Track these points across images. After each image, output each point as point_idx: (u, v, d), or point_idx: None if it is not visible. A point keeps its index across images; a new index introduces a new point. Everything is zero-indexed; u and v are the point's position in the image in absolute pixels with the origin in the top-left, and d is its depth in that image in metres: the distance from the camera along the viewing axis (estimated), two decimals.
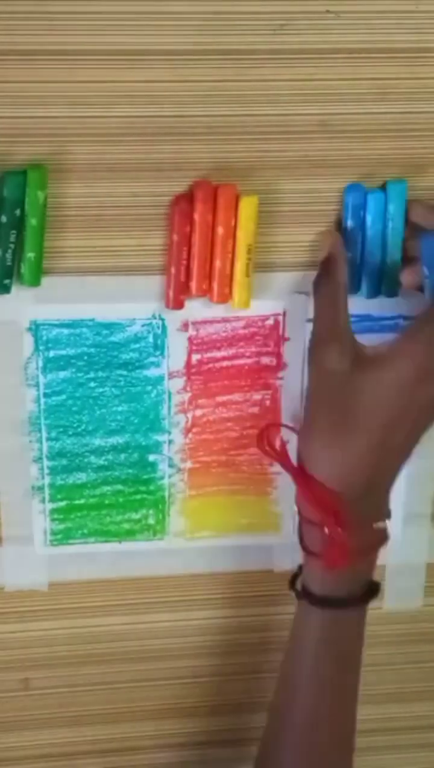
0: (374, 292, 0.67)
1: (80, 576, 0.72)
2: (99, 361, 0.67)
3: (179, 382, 0.68)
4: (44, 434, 0.68)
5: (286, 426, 0.67)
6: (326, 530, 0.62)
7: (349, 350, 0.61)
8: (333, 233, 0.65)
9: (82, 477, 0.70)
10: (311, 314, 0.68)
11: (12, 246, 0.62)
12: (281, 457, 0.65)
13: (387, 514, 0.64)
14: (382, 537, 0.64)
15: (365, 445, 0.60)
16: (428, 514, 0.74)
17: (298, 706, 0.67)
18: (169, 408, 0.69)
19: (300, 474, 0.63)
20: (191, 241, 0.64)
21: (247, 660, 0.76)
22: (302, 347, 0.68)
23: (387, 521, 0.64)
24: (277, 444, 0.66)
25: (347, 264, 0.64)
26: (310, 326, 0.68)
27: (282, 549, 0.73)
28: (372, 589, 0.66)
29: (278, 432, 0.67)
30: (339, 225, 0.65)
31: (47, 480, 0.69)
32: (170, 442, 0.70)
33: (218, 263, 0.64)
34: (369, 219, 0.65)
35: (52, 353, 0.67)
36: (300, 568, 0.67)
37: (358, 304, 0.68)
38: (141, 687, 0.76)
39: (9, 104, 0.60)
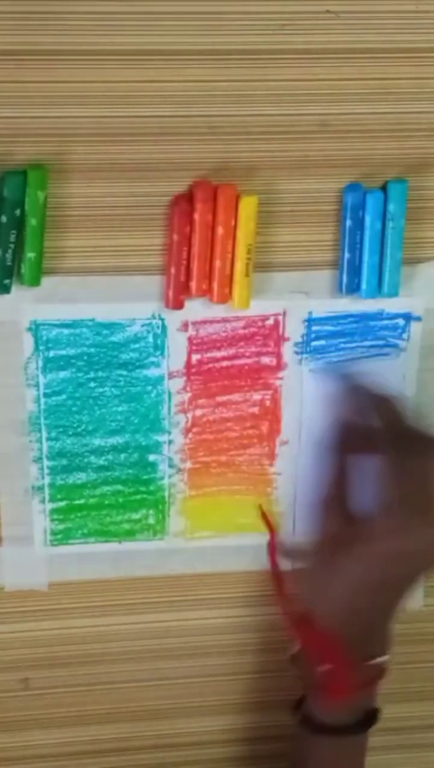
0: (374, 292, 0.67)
1: (80, 576, 0.72)
2: (99, 361, 0.67)
3: (179, 382, 0.68)
4: (44, 434, 0.68)
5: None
6: (325, 668, 0.65)
7: (347, 517, 0.65)
8: (349, 401, 0.67)
9: (82, 477, 0.70)
10: (310, 314, 0.68)
11: (12, 246, 0.62)
12: (287, 604, 0.68)
13: (385, 651, 0.67)
14: (381, 671, 0.67)
15: (353, 605, 0.64)
16: None
17: None
18: (169, 408, 0.69)
19: (303, 618, 0.66)
20: (191, 241, 0.64)
21: (247, 660, 0.76)
22: (301, 347, 0.68)
23: (384, 657, 0.66)
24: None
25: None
26: (310, 326, 0.68)
27: (282, 549, 0.73)
28: (372, 717, 0.68)
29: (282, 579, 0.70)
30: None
31: (47, 480, 0.69)
32: (170, 442, 0.70)
33: (218, 263, 0.64)
34: (368, 219, 0.65)
35: (52, 353, 0.67)
36: (302, 697, 0.70)
37: (358, 304, 0.68)
38: (141, 687, 0.76)
39: (9, 104, 0.60)
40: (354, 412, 0.66)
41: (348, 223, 0.65)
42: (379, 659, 0.66)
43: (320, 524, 0.67)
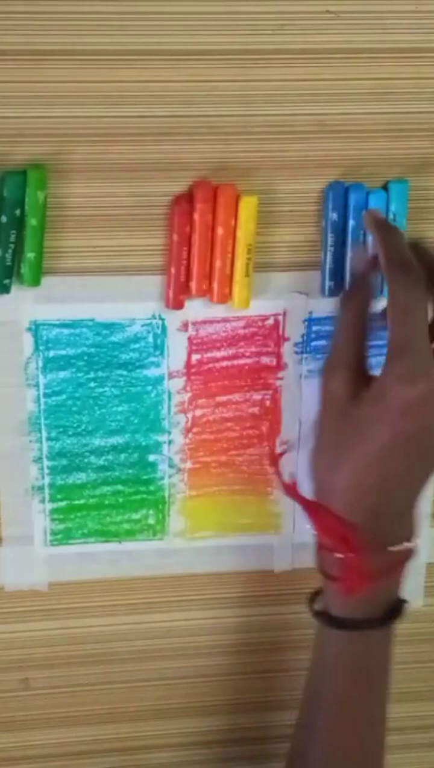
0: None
1: (80, 576, 0.72)
2: (99, 361, 0.67)
3: (179, 382, 0.68)
4: (44, 434, 0.68)
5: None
6: (340, 556, 0.61)
7: (356, 379, 0.60)
8: (363, 252, 0.63)
9: (82, 477, 0.70)
10: (310, 314, 0.68)
11: (12, 246, 0.62)
12: (288, 486, 0.65)
13: (407, 537, 0.61)
14: (403, 557, 0.62)
15: (362, 473, 0.59)
16: (428, 514, 0.74)
17: (322, 726, 0.64)
18: (169, 408, 0.69)
19: (309, 501, 0.62)
20: (191, 241, 0.64)
21: (247, 660, 0.76)
22: (300, 346, 0.68)
23: (406, 544, 0.61)
24: (280, 464, 0.66)
25: (374, 287, 0.63)
26: (310, 326, 0.68)
27: (282, 549, 0.73)
28: (396, 609, 0.63)
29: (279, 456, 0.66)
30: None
31: (47, 480, 0.69)
32: (170, 442, 0.70)
33: (218, 263, 0.64)
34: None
35: (52, 353, 0.67)
36: (320, 589, 0.65)
37: None
38: (141, 687, 0.76)
39: (9, 104, 0.60)
40: (367, 263, 0.62)
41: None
42: (403, 546, 0.61)
43: (328, 386, 0.61)
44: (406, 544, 0.61)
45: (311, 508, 0.61)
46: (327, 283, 0.66)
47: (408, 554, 0.62)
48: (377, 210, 0.63)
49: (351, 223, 0.65)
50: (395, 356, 0.57)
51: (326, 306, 0.68)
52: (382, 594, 0.63)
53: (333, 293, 0.66)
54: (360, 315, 0.62)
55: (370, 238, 0.64)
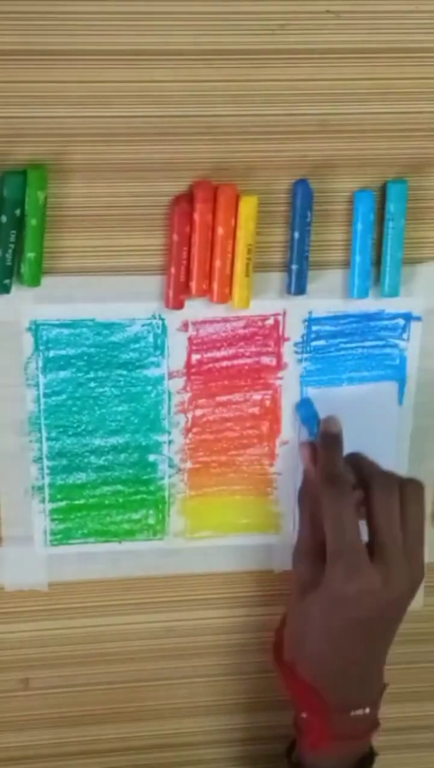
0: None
1: (80, 576, 0.72)
2: (99, 361, 0.67)
3: (179, 382, 0.68)
4: (44, 434, 0.68)
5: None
6: (304, 715, 0.67)
7: (318, 566, 0.65)
8: (306, 448, 0.68)
9: (82, 477, 0.70)
10: (310, 314, 0.68)
11: (12, 246, 0.62)
12: (274, 649, 0.69)
13: (367, 701, 0.67)
14: (368, 723, 0.68)
15: (322, 648, 0.66)
16: (428, 515, 0.74)
17: None
18: (169, 408, 0.69)
19: (284, 665, 0.68)
20: (191, 241, 0.64)
21: (247, 660, 0.76)
22: (300, 347, 0.68)
23: (367, 710, 0.67)
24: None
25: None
26: (310, 326, 0.68)
27: (282, 549, 0.73)
28: (366, 762, 0.69)
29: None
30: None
31: (47, 480, 0.69)
32: (170, 442, 0.70)
33: (218, 263, 0.64)
34: (371, 219, 0.65)
35: (52, 353, 0.67)
36: (293, 740, 0.71)
37: (359, 304, 0.68)
38: (141, 687, 0.76)
39: (9, 104, 0.60)
40: (309, 458, 0.68)
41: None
42: (360, 711, 0.67)
43: (295, 571, 0.68)
44: (363, 711, 0.67)
45: (284, 672, 0.68)
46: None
47: (371, 723, 0.68)
48: (333, 421, 0.68)
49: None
50: (333, 560, 0.63)
51: (326, 306, 0.68)
52: (350, 751, 0.69)
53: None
54: (315, 509, 0.66)
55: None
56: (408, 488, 0.65)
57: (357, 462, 0.67)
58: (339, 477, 0.65)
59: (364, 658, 0.67)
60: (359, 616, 0.64)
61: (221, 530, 0.73)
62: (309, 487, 0.68)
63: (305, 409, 0.69)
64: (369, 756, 0.70)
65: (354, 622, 0.64)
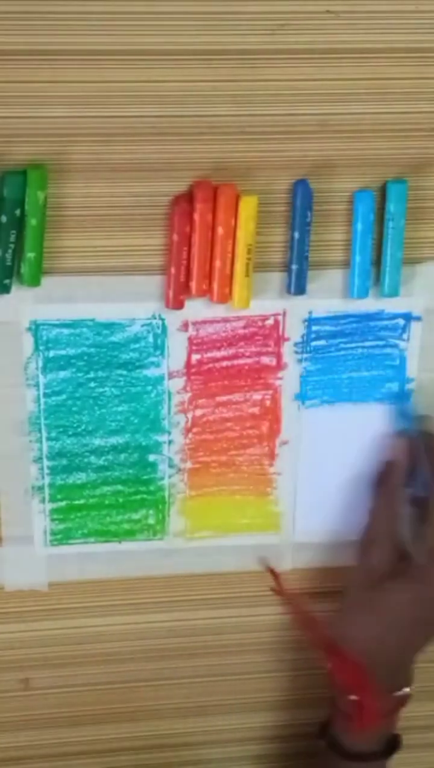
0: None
1: (80, 576, 0.72)
2: (99, 361, 0.67)
3: (179, 382, 0.68)
4: (44, 434, 0.68)
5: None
6: (354, 697, 0.68)
7: (392, 553, 0.68)
8: (402, 440, 0.69)
9: (82, 477, 0.70)
10: (310, 314, 0.68)
11: (12, 246, 0.62)
12: (317, 633, 0.70)
13: (408, 682, 0.70)
14: (401, 702, 0.71)
15: (384, 633, 0.68)
16: None
17: None
18: (169, 408, 0.69)
19: (334, 648, 0.68)
20: (191, 241, 0.64)
21: (247, 660, 0.76)
22: (300, 346, 0.69)
23: (405, 689, 0.70)
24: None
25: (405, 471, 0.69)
26: (310, 326, 0.68)
27: (282, 549, 0.73)
28: (394, 744, 0.72)
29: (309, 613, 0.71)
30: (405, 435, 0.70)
31: (47, 480, 0.69)
32: (170, 442, 0.70)
33: (218, 263, 0.64)
34: (371, 219, 0.65)
35: (52, 353, 0.67)
36: (328, 721, 0.72)
37: (359, 304, 0.68)
38: (141, 687, 0.76)
39: (9, 104, 0.60)
40: (403, 451, 0.69)
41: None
42: (403, 691, 0.70)
43: (366, 559, 0.69)
44: (405, 690, 0.70)
45: (336, 653, 0.68)
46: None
47: (405, 700, 0.71)
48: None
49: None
50: (432, 559, 0.67)
51: (326, 306, 0.68)
52: (383, 731, 0.72)
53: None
54: (393, 498, 0.69)
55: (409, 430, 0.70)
56: None
57: None
58: None
59: (420, 647, 0.70)
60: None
61: (221, 530, 0.73)
62: (391, 479, 0.69)
63: (402, 403, 0.70)
64: (395, 738, 0.72)
65: (433, 618, 0.68)
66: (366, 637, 0.67)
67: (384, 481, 0.70)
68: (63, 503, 0.70)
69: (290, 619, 0.73)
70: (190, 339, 0.67)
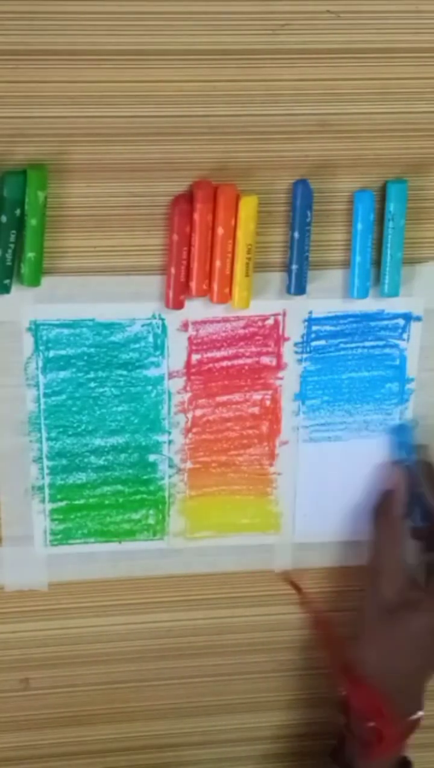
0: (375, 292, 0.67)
1: (80, 576, 0.72)
2: (99, 361, 0.67)
3: (179, 382, 0.68)
4: (44, 434, 0.68)
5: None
6: (372, 724, 0.69)
7: (401, 583, 0.69)
8: (401, 470, 0.70)
9: (82, 477, 0.70)
10: (310, 314, 0.68)
11: (12, 246, 0.62)
12: (337, 656, 0.71)
13: (421, 705, 0.71)
14: (414, 726, 0.71)
15: (402, 662, 0.69)
16: None
17: None
18: (169, 408, 0.69)
19: (352, 674, 0.69)
20: (191, 241, 0.64)
21: (247, 660, 0.76)
22: (300, 347, 0.69)
23: (419, 713, 0.71)
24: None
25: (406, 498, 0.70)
26: (310, 326, 0.68)
27: (282, 549, 0.73)
28: (404, 766, 0.73)
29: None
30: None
31: (47, 480, 0.69)
32: (170, 442, 0.70)
33: (218, 263, 0.64)
34: (371, 219, 0.65)
35: (52, 353, 0.67)
36: (339, 743, 0.73)
37: (359, 304, 0.68)
38: (141, 687, 0.76)
39: (9, 104, 0.60)
40: (402, 481, 0.70)
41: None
42: (417, 714, 0.71)
43: (376, 589, 0.69)
44: (419, 713, 0.71)
45: (350, 677, 0.69)
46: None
47: (418, 723, 0.71)
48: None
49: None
50: None
51: (326, 306, 0.68)
52: (400, 752, 0.73)
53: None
54: (396, 531, 0.69)
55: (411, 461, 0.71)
56: None
57: None
58: None
59: (431, 674, 0.71)
60: None
61: (221, 530, 0.73)
62: (391, 508, 0.69)
63: (402, 433, 0.71)
64: (405, 761, 0.73)
65: None
66: (384, 665, 0.68)
67: (385, 512, 0.70)
68: (63, 503, 0.70)
69: (311, 637, 0.74)
70: (190, 339, 0.67)
